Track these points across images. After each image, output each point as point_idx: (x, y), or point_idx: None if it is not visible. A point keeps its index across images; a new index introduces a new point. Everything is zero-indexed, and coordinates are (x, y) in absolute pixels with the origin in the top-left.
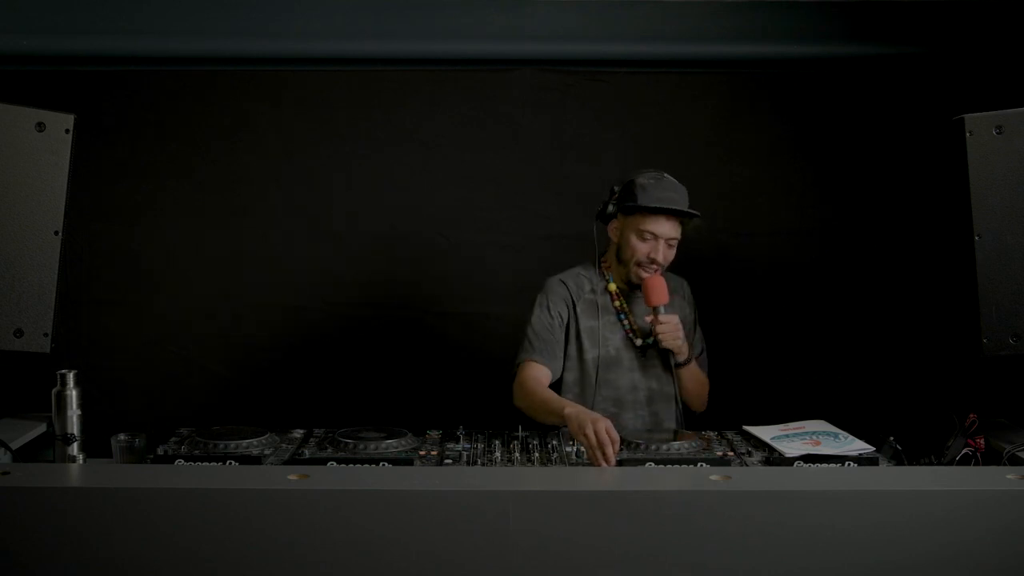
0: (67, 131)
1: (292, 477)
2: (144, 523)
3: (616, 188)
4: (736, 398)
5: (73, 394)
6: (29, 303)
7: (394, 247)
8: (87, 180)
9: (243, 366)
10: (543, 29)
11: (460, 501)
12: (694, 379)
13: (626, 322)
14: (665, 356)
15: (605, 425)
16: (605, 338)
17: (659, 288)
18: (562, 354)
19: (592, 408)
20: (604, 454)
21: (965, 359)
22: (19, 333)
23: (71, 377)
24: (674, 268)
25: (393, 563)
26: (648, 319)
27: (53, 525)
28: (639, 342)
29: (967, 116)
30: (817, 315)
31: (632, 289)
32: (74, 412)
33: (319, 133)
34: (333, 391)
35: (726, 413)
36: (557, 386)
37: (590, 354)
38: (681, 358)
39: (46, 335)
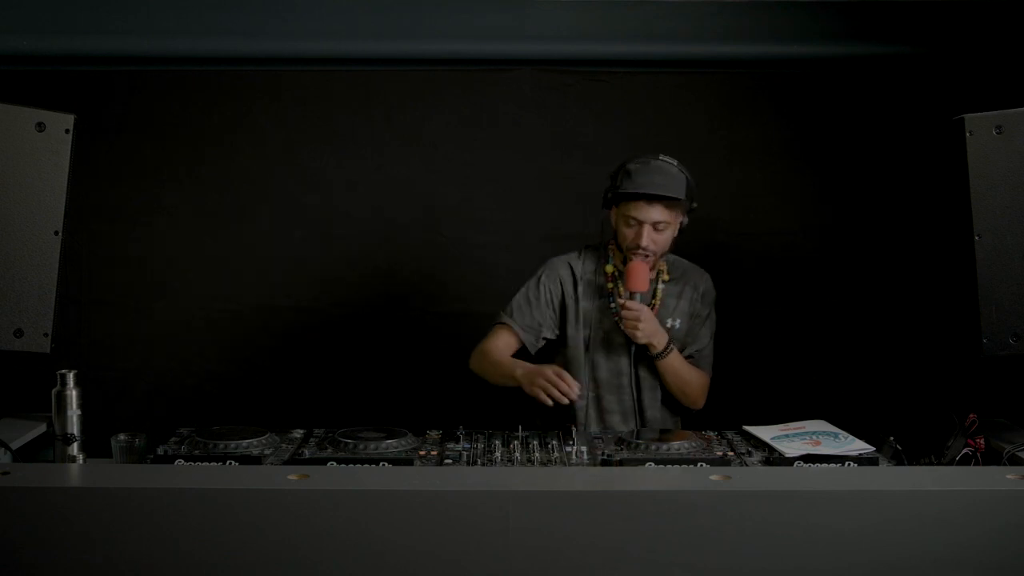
0: (67, 131)
1: (292, 477)
2: (144, 523)
3: (612, 174)
4: (736, 398)
5: (73, 394)
6: (29, 303)
7: (394, 247)
8: (87, 180)
9: (243, 366)
10: (543, 29)
11: (460, 501)
12: (673, 374)
13: (615, 305)
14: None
15: (552, 369)
16: (598, 319)
17: (637, 274)
18: (541, 332)
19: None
20: (562, 390)
21: (965, 359)
22: (19, 333)
23: (71, 377)
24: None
25: (393, 563)
26: (621, 302)
27: (53, 525)
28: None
29: (967, 116)
30: (817, 315)
31: None
32: (74, 412)
33: (319, 133)
34: (333, 391)
35: (726, 413)
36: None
37: (582, 334)
38: (653, 351)
39: (46, 335)
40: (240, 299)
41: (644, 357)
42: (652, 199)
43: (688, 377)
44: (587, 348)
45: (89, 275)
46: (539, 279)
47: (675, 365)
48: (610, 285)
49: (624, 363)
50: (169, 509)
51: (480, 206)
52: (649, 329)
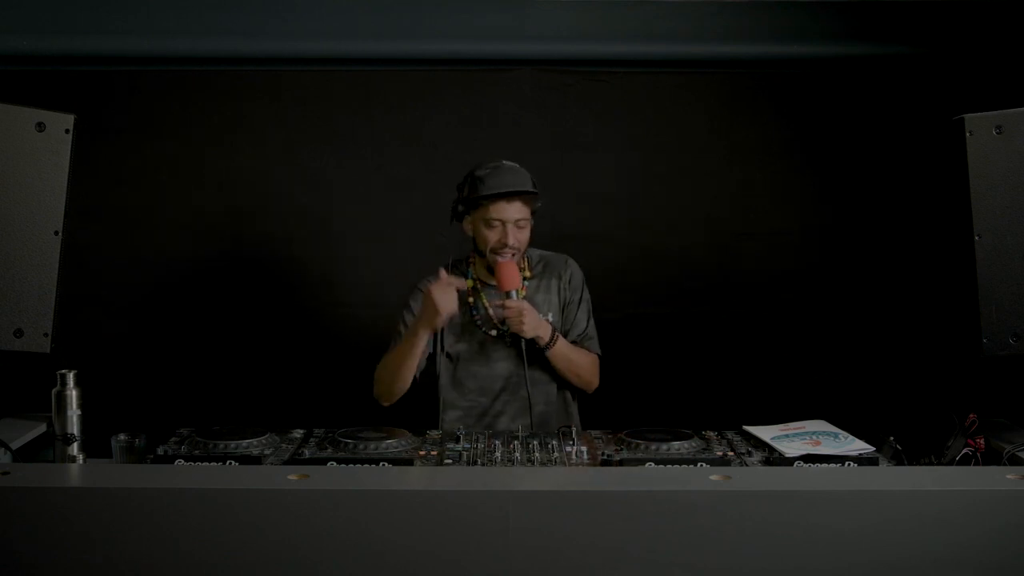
0: (67, 131)
1: (292, 477)
2: (144, 523)
3: (459, 185)
4: (736, 398)
5: (73, 394)
6: (29, 303)
7: (394, 247)
8: (87, 180)
9: (243, 366)
10: (543, 29)
11: (460, 501)
12: (564, 360)
13: (478, 317)
14: (529, 341)
15: (431, 288)
16: (469, 332)
17: (507, 274)
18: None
19: (461, 400)
20: (444, 290)
21: (965, 359)
22: (19, 333)
23: (71, 377)
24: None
25: (393, 563)
26: (498, 304)
27: (53, 525)
28: (493, 332)
29: (967, 116)
30: (817, 315)
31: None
32: (74, 412)
33: (319, 133)
34: (333, 391)
35: (726, 413)
36: (434, 386)
37: (455, 348)
38: (541, 343)
39: (46, 335)
40: (240, 299)
41: (531, 354)
42: (512, 197)
43: (577, 359)
44: (459, 361)
45: (89, 275)
46: (409, 308)
47: (564, 351)
48: (470, 299)
49: (504, 367)
50: (169, 509)
51: None
52: (533, 322)
